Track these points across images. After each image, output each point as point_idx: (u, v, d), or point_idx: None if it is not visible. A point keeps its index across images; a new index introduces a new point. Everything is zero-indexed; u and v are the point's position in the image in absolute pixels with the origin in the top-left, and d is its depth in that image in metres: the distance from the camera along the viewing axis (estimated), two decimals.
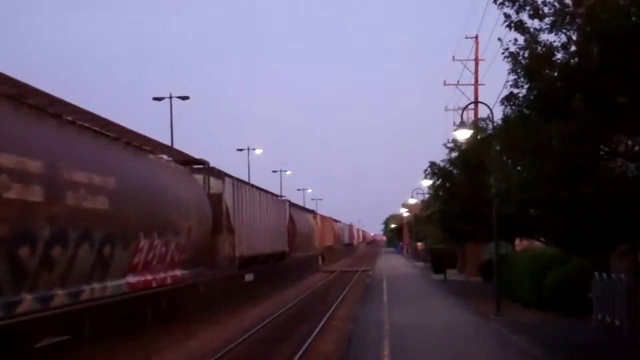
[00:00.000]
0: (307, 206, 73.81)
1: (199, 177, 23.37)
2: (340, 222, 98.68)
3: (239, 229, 26.59)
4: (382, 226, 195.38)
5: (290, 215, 43.66)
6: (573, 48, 12.87)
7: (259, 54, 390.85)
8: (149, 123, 45.74)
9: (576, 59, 12.78)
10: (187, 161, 22.51)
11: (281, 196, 43.74)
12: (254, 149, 60.38)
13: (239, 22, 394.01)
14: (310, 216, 59.17)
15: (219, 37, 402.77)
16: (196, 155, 23.40)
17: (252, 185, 32.78)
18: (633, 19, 11.57)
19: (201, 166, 23.70)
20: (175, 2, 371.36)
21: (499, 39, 13.78)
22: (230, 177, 26.88)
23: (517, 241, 30.93)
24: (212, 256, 23.01)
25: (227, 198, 25.11)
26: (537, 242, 27.20)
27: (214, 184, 24.46)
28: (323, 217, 72.67)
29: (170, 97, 39.30)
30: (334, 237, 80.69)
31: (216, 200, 23.75)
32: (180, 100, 39.75)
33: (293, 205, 49.36)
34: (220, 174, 25.37)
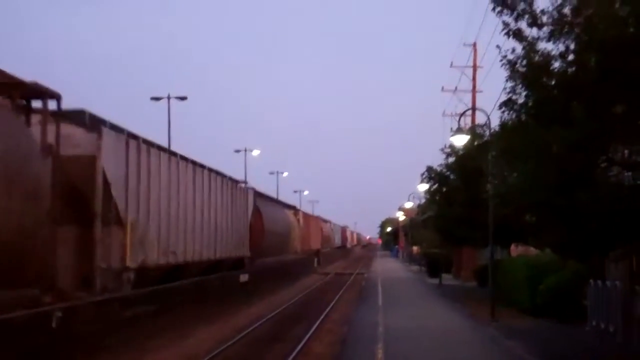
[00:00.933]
0: (303, 209, 72.38)
1: (36, 122, 13.11)
2: (330, 222, 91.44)
3: (140, 220, 16.92)
4: (378, 229, 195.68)
5: (257, 208, 33.40)
6: (571, 57, 12.98)
7: (258, 56, 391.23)
8: (146, 124, 45.66)
9: (574, 68, 12.89)
10: (8, 86, 12.34)
11: (244, 182, 32.49)
12: (251, 150, 60.45)
13: (237, 21, 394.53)
14: (289, 212, 48.82)
15: (217, 38, 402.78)
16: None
17: (177, 155, 20.78)
18: (631, 29, 11.68)
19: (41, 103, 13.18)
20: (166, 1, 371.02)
21: (498, 47, 13.90)
22: (120, 130, 16.72)
23: (512, 247, 31.05)
24: (66, 267, 13.79)
25: (108, 165, 15.32)
26: (532, 248, 27.32)
27: (81, 138, 15.04)
28: (308, 216, 63.21)
29: (169, 98, 39.40)
30: (323, 238, 71.40)
31: (78, 166, 14.36)
32: (178, 101, 39.84)
33: (261, 195, 38.57)
34: (93, 124, 15.62)
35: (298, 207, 64.97)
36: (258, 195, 35.84)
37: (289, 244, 44.62)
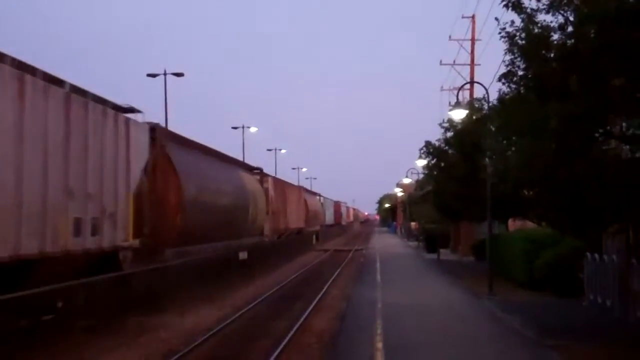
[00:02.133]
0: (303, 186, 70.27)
1: None
2: (320, 195, 75.28)
3: None
4: (377, 205, 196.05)
5: (167, 161, 20.36)
6: (570, 29, 12.84)
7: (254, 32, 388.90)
8: (143, 101, 45.30)
9: (573, 41, 12.75)
10: None
11: (130, 109, 18.18)
12: (248, 127, 60.24)
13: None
14: (248, 176, 33.34)
15: (213, 13, 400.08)
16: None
17: None
18: (630, 0, 11.53)
19: None
20: None
21: (496, 19, 13.77)
22: None
23: (510, 221, 31.06)
24: None
25: None
26: (530, 223, 27.34)
27: None
28: (282, 183, 44.67)
29: (165, 74, 39.14)
30: (308, 215, 55.82)
31: None
32: (175, 78, 39.57)
33: (179, 140, 23.46)
34: None
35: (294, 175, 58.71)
36: (173, 137, 22.25)
37: (247, 223, 30.34)
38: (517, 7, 13.11)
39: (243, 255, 29.05)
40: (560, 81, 12.52)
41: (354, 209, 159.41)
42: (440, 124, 31.18)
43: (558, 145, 13.04)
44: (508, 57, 13.53)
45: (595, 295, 17.44)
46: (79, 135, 14.70)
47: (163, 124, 22.48)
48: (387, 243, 69.20)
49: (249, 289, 24.99)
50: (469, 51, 39.14)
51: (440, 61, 41.63)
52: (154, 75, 39.32)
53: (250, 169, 37.29)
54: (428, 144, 31.99)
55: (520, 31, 13.07)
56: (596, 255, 17.39)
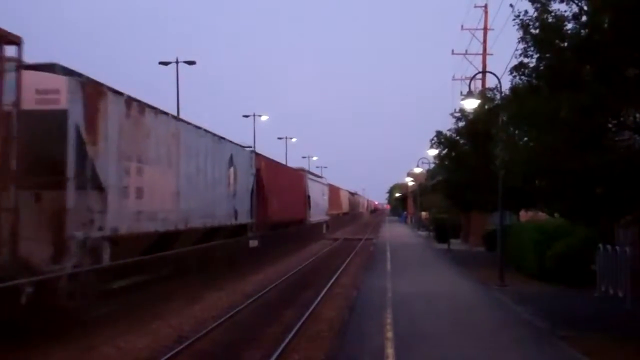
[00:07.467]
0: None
1: None
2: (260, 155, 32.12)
3: None
4: (387, 195, 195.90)
5: None
6: (584, 19, 12.74)
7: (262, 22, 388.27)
8: (155, 90, 45.28)
9: (587, 30, 12.66)
10: None
11: None
12: (259, 116, 60.07)
13: None
14: None
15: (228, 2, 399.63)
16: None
17: None
18: None
19: None
20: None
21: (511, 5, 13.71)
22: None
23: (522, 212, 30.96)
24: None
25: None
26: (541, 213, 27.24)
27: None
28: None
29: (177, 62, 39.16)
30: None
31: None
32: (187, 66, 39.57)
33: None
34: None
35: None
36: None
37: None
38: None
39: (253, 243, 29.15)
40: (573, 71, 12.44)
41: (352, 194, 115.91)
42: (451, 114, 31.10)
43: (569, 135, 12.97)
44: (521, 47, 13.47)
45: (606, 287, 17.38)
46: None
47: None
48: (398, 233, 69.16)
49: (259, 277, 25.08)
50: (482, 41, 38.94)
51: (452, 50, 41.46)
52: (166, 63, 39.35)
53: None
54: (439, 133, 31.90)
55: (534, 20, 12.99)
56: (608, 247, 17.32)
